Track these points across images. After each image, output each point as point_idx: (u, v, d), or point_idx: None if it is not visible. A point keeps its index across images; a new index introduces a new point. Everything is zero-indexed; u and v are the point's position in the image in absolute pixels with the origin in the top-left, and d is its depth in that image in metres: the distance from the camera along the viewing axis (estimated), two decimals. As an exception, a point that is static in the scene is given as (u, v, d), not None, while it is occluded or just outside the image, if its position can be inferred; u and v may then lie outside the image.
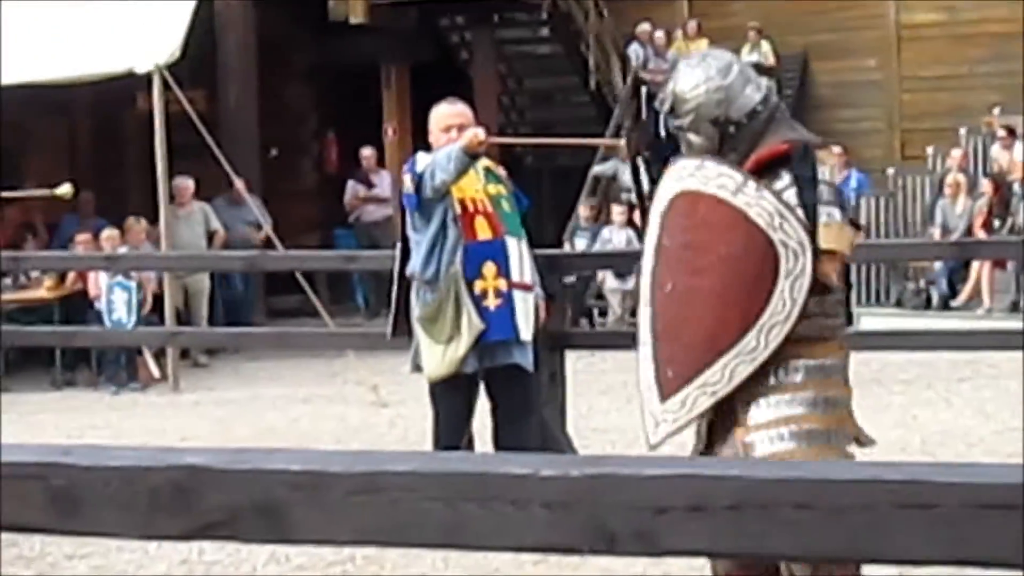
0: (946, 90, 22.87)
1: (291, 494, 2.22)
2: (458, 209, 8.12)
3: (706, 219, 5.44)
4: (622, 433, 11.24)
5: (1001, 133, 20.52)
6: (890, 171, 21.50)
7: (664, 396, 5.46)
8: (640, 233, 8.90)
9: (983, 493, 1.94)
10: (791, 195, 5.38)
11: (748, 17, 23.60)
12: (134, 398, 14.77)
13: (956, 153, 20.36)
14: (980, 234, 18.59)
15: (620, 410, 12.56)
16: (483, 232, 8.16)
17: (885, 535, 1.97)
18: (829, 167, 5.64)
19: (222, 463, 2.30)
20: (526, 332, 8.17)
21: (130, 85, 17.13)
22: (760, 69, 23.02)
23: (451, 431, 8.15)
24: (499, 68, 22.54)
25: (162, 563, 8.05)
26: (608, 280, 18.86)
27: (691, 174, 5.48)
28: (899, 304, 19.47)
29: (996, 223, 19.05)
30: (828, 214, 5.41)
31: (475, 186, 8.23)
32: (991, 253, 16.97)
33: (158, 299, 15.84)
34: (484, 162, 8.41)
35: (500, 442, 8.23)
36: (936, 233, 18.92)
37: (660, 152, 5.88)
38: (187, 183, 17.68)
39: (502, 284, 8.12)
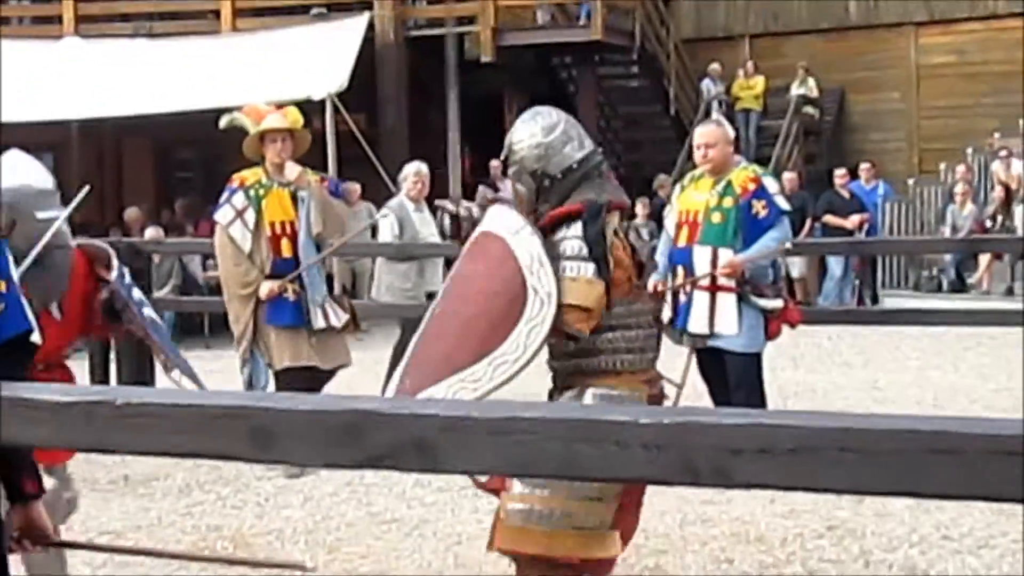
0: (956, 117, 22.59)
1: (440, 434, 2.22)
2: (677, 219, 7.95)
3: (486, 252, 4.93)
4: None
5: (1002, 153, 20.25)
6: (910, 182, 21.30)
7: None
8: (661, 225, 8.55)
9: (1000, 442, 1.90)
10: (574, 245, 4.87)
11: (797, 58, 23.35)
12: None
13: (960, 168, 20.16)
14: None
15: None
16: (681, 240, 7.88)
17: (919, 475, 1.94)
18: (616, 224, 5.02)
19: (386, 408, 2.30)
20: (698, 325, 7.71)
21: (308, 108, 17.21)
22: (806, 99, 22.93)
23: None
24: (599, 98, 22.48)
25: (330, 484, 8.10)
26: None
27: (491, 217, 5.03)
28: (916, 288, 19.28)
29: (994, 222, 18.84)
30: (577, 268, 4.85)
31: (701, 198, 7.89)
32: (989, 248, 16.84)
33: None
34: (742, 174, 7.95)
35: None
36: (946, 232, 18.71)
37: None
38: (356, 187, 17.74)
39: (687, 285, 7.80)
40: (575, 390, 4.99)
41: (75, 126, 19.25)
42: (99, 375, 10.56)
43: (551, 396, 5.13)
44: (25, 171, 5.34)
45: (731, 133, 8.18)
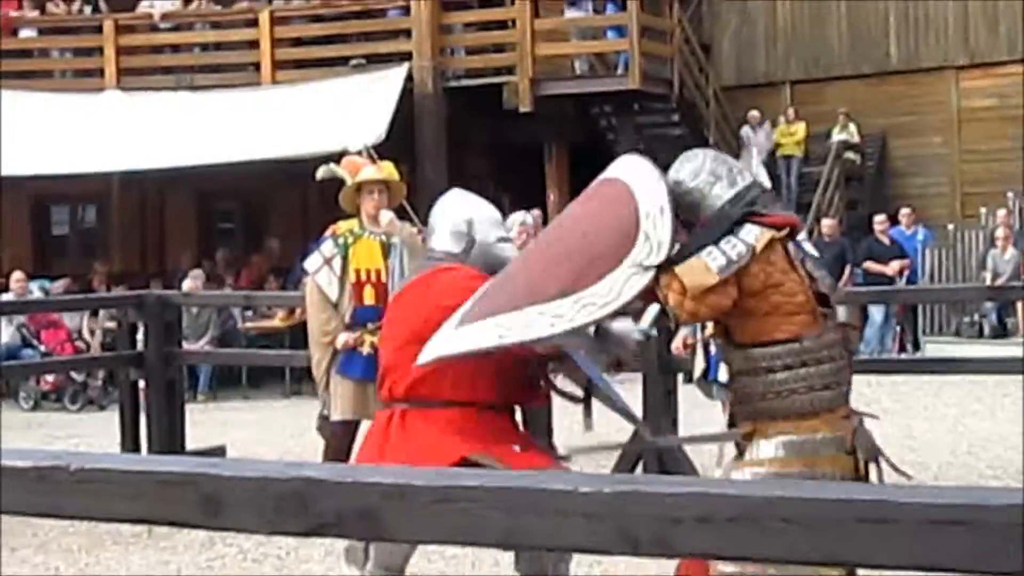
0: (998, 160, 22.39)
1: (384, 502, 2.18)
2: None
3: (601, 194, 4.80)
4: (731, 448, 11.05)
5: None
6: (951, 227, 21.15)
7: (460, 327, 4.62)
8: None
9: (939, 512, 1.84)
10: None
11: (838, 103, 23.25)
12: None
13: (1002, 213, 20.01)
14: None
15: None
16: None
17: (858, 545, 1.88)
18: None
19: (331, 476, 2.26)
20: (727, 375, 7.43)
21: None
22: (847, 145, 22.80)
23: None
24: (638, 147, 22.38)
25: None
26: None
27: (616, 165, 4.94)
28: (957, 334, 19.13)
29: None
30: (708, 253, 4.67)
31: None
32: (1016, 296, 16.71)
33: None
34: None
35: None
36: (987, 277, 18.55)
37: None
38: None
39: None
40: (767, 438, 4.78)
41: (117, 178, 19.39)
42: (130, 434, 10.48)
43: (738, 445, 4.92)
44: (478, 202, 5.64)
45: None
